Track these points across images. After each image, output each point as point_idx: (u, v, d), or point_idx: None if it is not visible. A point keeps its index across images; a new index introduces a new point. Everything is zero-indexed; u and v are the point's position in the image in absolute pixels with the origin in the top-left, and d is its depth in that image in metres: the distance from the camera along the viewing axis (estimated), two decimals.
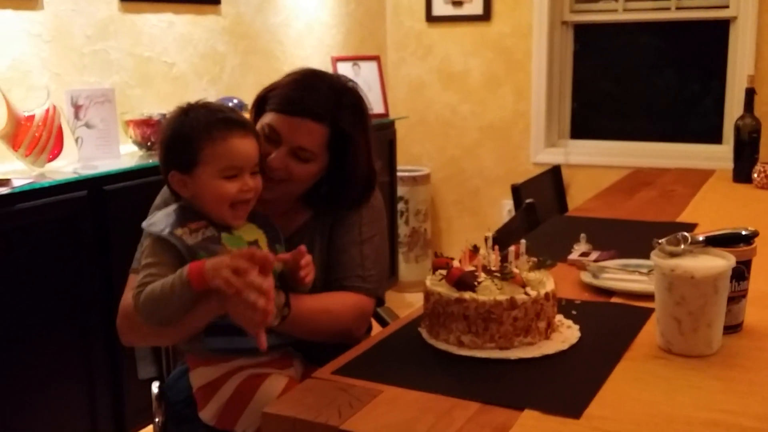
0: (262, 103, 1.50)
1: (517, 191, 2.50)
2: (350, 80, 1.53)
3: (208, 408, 1.40)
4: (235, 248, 1.30)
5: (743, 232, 1.30)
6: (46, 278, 2.18)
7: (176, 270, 1.27)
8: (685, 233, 1.24)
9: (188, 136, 1.33)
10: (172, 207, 1.39)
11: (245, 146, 1.34)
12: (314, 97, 1.43)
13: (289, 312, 1.34)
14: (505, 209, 4.19)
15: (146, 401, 1.63)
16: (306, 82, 1.47)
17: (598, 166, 3.97)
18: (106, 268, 2.32)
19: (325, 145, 1.45)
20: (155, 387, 1.60)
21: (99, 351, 2.34)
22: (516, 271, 1.25)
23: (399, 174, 4.04)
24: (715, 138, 3.87)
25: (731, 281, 1.22)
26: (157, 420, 1.58)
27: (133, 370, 1.65)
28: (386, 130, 3.82)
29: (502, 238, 1.90)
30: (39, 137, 2.30)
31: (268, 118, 1.45)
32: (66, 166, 2.41)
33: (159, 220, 1.36)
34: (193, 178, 1.33)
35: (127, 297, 1.44)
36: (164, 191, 1.50)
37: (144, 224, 1.37)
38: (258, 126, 1.47)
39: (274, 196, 1.47)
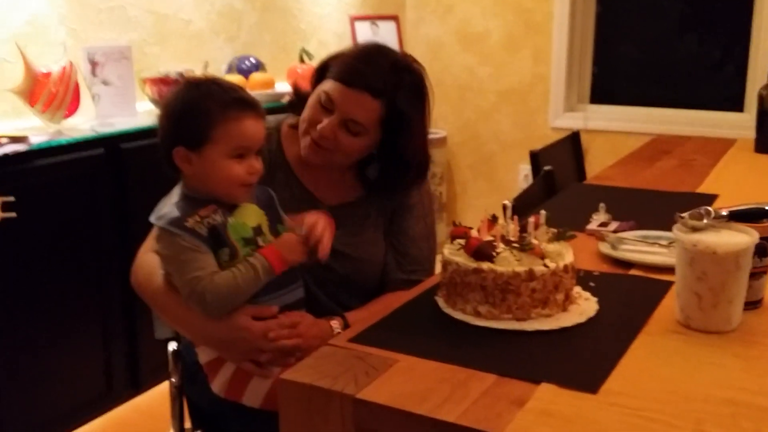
0: (323, 69, 1.48)
1: (536, 158, 2.47)
2: (417, 61, 1.51)
3: (216, 381, 1.41)
4: (240, 238, 1.30)
5: (767, 207, 1.28)
6: (64, 235, 2.19)
7: (210, 250, 1.27)
8: (708, 208, 1.22)
9: (202, 111, 1.28)
10: (176, 194, 1.34)
11: (257, 128, 1.32)
12: (375, 72, 1.42)
13: None
14: (521, 174, 4.16)
15: (161, 359, 1.64)
16: (370, 55, 1.46)
17: (618, 131, 3.93)
18: (122, 226, 2.33)
19: (378, 122, 1.43)
20: (172, 347, 1.61)
21: (115, 309, 2.37)
22: (535, 242, 1.24)
23: None
24: (737, 105, 3.80)
25: (753, 257, 1.20)
26: (173, 380, 1.59)
27: (149, 327, 1.66)
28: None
29: (520, 206, 1.89)
30: (56, 93, 2.29)
31: (326, 85, 1.44)
32: (83, 123, 2.41)
33: (168, 211, 1.30)
34: (201, 156, 1.29)
35: (145, 249, 1.47)
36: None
37: (152, 218, 1.32)
38: (315, 92, 1.46)
39: (319, 162, 1.48)
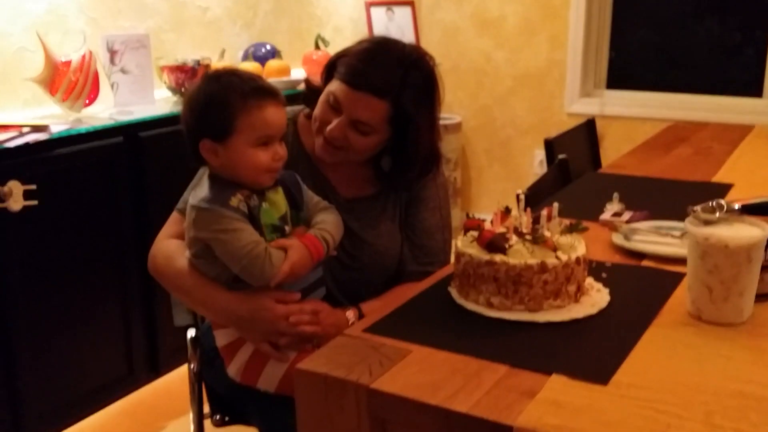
0: (331, 68, 1.48)
1: (550, 145, 2.48)
2: (424, 53, 1.50)
3: (232, 365, 1.44)
4: (269, 224, 1.34)
5: None
6: (84, 223, 2.23)
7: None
8: (721, 201, 1.23)
9: (223, 103, 1.31)
10: (204, 182, 1.37)
11: (279, 115, 1.34)
12: (379, 72, 1.41)
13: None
14: (536, 159, 4.16)
15: (179, 343, 1.68)
16: (375, 53, 1.45)
17: (634, 117, 3.91)
18: (141, 213, 2.37)
19: (386, 121, 1.44)
20: (190, 334, 1.64)
21: (135, 294, 2.40)
22: (547, 234, 1.25)
23: None
24: (756, 91, 3.78)
25: (765, 250, 1.21)
26: (192, 366, 1.62)
27: (168, 312, 1.69)
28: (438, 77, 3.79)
29: (534, 195, 1.90)
30: (76, 82, 2.32)
31: (333, 86, 1.45)
32: (102, 112, 2.44)
33: (207, 194, 1.33)
34: (226, 147, 1.32)
35: (163, 234, 1.50)
36: (200, 174, 1.50)
37: (192, 201, 1.35)
38: (324, 92, 1.48)
39: (334, 160, 1.50)
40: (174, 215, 1.53)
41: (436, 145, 1.54)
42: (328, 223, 1.41)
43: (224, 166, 1.34)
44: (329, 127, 1.44)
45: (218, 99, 1.32)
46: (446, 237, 1.59)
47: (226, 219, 1.29)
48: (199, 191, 1.36)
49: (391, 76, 1.42)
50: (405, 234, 1.57)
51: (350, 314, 1.44)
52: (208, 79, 1.37)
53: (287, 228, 1.38)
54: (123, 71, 2.53)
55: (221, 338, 1.45)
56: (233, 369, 1.44)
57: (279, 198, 1.38)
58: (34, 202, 1.98)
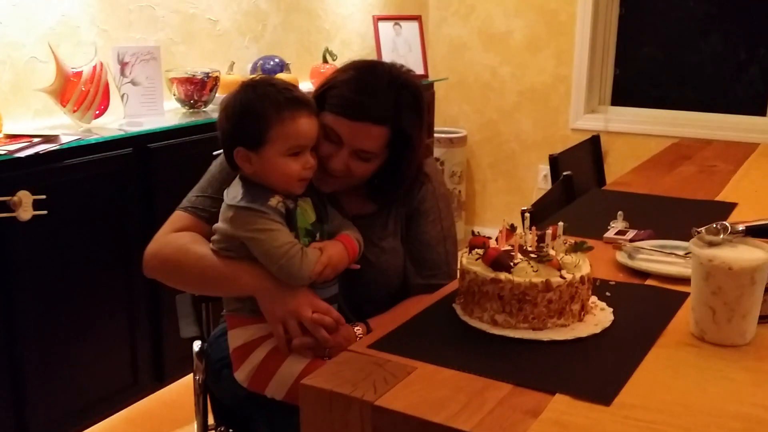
0: (320, 100, 1.47)
1: (555, 161, 2.49)
2: (406, 69, 1.51)
3: (242, 369, 1.45)
4: (303, 227, 1.40)
5: None
6: (92, 233, 2.25)
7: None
8: (725, 222, 1.24)
9: (258, 114, 1.35)
10: (240, 186, 1.40)
11: (311, 126, 1.38)
12: (375, 101, 1.42)
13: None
14: (540, 174, 4.17)
15: (185, 353, 1.69)
16: (365, 81, 1.45)
17: (638, 134, 3.93)
18: (149, 223, 2.38)
19: (386, 144, 1.46)
20: (197, 345, 1.65)
21: (141, 304, 2.42)
22: (552, 253, 1.26)
23: (436, 135, 4.04)
24: (760, 109, 3.79)
25: None
26: (197, 377, 1.63)
27: (173, 321, 1.70)
28: (425, 91, 3.81)
29: (539, 212, 1.92)
30: (86, 93, 2.34)
31: (328, 119, 1.44)
32: (111, 123, 2.46)
33: (242, 194, 1.37)
34: (260, 155, 1.36)
35: (165, 232, 1.50)
36: (220, 162, 1.52)
37: (229, 201, 1.39)
38: (319, 121, 1.47)
39: (333, 189, 1.51)
40: (178, 214, 1.52)
41: (422, 160, 1.56)
42: (353, 231, 1.47)
43: (257, 174, 1.38)
44: (332, 162, 1.44)
45: (253, 109, 1.36)
46: (449, 248, 1.59)
47: (264, 219, 1.35)
48: (232, 191, 1.40)
49: (386, 102, 1.43)
50: (407, 248, 1.58)
51: (359, 330, 1.46)
52: (245, 87, 1.40)
53: (318, 234, 1.42)
54: (133, 83, 2.55)
55: (236, 339, 1.45)
56: (242, 373, 1.44)
57: (308, 207, 1.43)
58: (44, 212, 2.00)
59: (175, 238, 1.48)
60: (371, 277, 1.53)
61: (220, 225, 1.41)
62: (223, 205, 1.41)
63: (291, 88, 1.39)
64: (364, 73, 1.47)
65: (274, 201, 1.36)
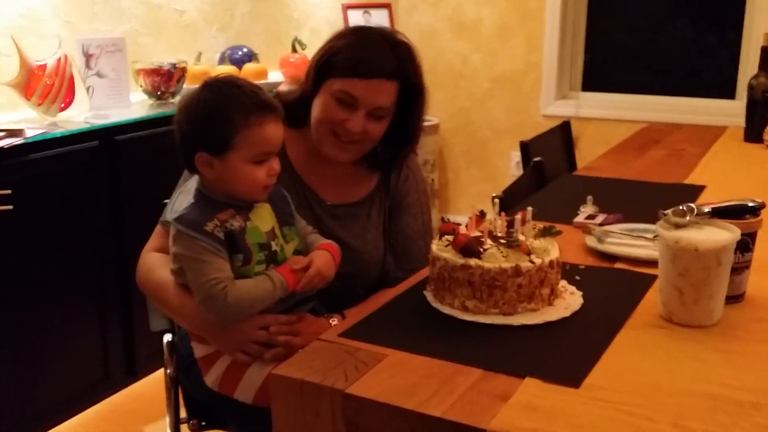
0: (323, 69, 1.48)
1: (526, 148, 2.50)
2: (395, 31, 1.55)
3: (209, 376, 1.43)
4: (255, 243, 1.31)
5: (750, 204, 1.30)
6: (60, 228, 2.22)
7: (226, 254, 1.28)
8: (691, 204, 1.25)
9: (224, 118, 1.27)
10: (191, 191, 1.35)
11: (278, 132, 1.31)
12: (380, 56, 1.46)
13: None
14: (513, 161, 4.19)
15: (157, 347, 1.67)
16: (365, 41, 1.48)
17: (609, 119, 3.95)
18: (118, 217, 2.36)
19: (396, 100, 1.49)
20: (167, 338, 1.63)
21: (111, 298, 2.39)
22: (522, 238, 1.26)
23: None
24: (729, 93, 3.83)
25: (735, 252, 1.23)
26: (168, 371, 1.62)
27: (144, 315, 1.68)
28: None
29: (510, 198, 1.92)
30: (51, 86, 2.31)
31: (338, 84, 1.45)
32: (77, 116, 2.43)
33: (187, 213, 1.30)
34: (223, 161, 1.28)
35: (146, 248, 1.50)
36: (186, 175, 1.48)
37: (169, 217, 1.33)
38: (324, 92, 1.47)
39: (349, 157, 1.51)
40: (157, 229, 1.52)
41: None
42: (323, 239, 1.43)
43: (218, 180, 1.30)
44: (349, 125, 1.45)
45: (218, 112, 1.27)
46: (428, 243, 1.58)
47: (197, 247, 1.26)
48: (183, 199, 1.34)
49: (390, 57, 1.47)
50: (388, 241, 1.58)
51: (334, 321, 1.44)
52: (208, 88, 1.31)
53: (274, 243, 1.34)
54: (99, 75, 2.51)
55: (198, 350, 1.44)
56: (210, 379, 1.43)
57: (265, 212, 1.36)
58: (9, 207, 1.97)
59: (148, 259, 1.48)
60: (352, 268, 1.51)
61: (170, 239, 1.35)
62: (171, 216, 1.34)
63: (258, 92, 1.30)
64: (360, 34, 1.51)
65: (211, 225, 1.26)
